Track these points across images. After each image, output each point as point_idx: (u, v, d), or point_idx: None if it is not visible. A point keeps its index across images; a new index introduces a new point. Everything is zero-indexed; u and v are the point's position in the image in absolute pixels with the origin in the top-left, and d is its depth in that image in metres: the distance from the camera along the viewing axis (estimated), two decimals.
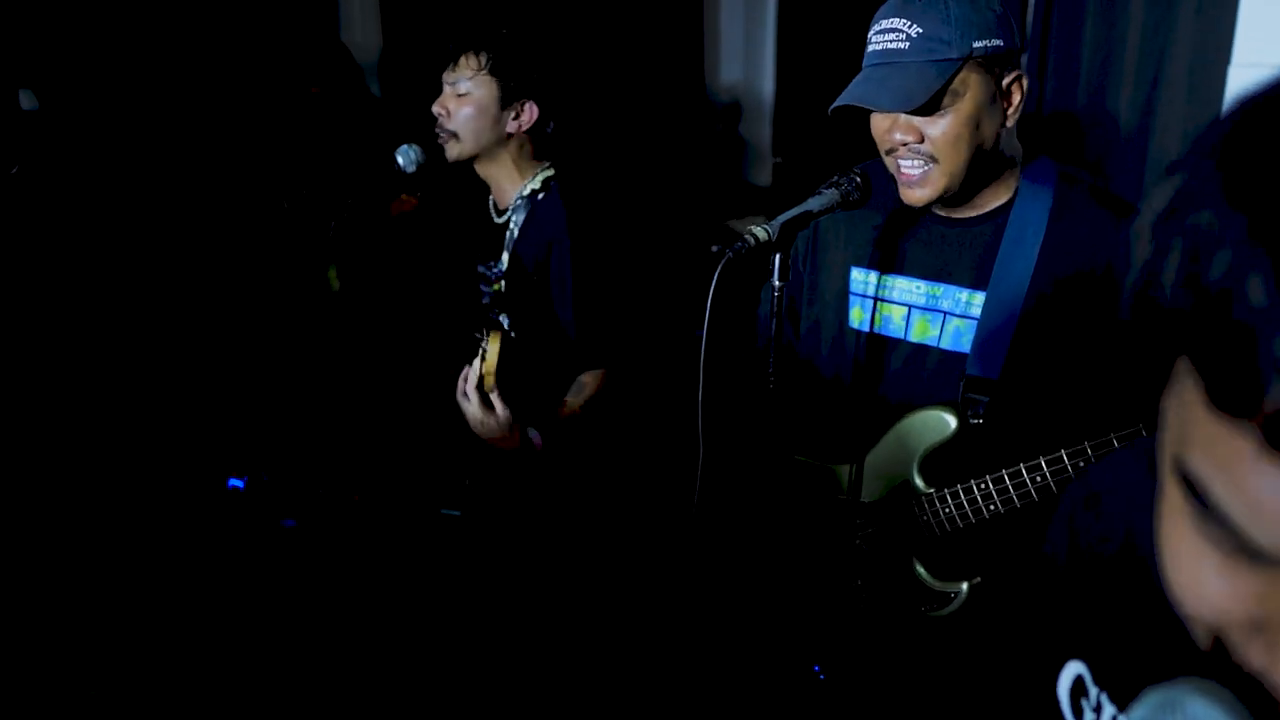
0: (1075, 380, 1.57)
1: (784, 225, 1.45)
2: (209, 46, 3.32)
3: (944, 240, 1.59)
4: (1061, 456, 1.45)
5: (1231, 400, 0.37)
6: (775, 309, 1.48)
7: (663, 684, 1.95)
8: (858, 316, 1.67)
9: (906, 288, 1.62)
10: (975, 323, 1.57)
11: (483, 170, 2.13)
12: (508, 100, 2.03)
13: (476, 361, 1.89)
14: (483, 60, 1.99)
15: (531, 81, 2.03)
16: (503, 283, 2.14)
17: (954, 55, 1.41)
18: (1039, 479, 1.46)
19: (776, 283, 1.47)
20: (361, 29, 3.74)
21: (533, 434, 1.99)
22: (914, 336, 1.62)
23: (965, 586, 1.59)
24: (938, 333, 1.60)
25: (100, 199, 2.92)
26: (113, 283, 2.92)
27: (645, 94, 4.05)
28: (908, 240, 1.62)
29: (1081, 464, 1.42)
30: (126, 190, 3.02)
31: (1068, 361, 1.56)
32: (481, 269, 2.21)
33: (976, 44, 1.42)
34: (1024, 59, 2.97)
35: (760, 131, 4.29)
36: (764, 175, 4.28)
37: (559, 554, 2.25)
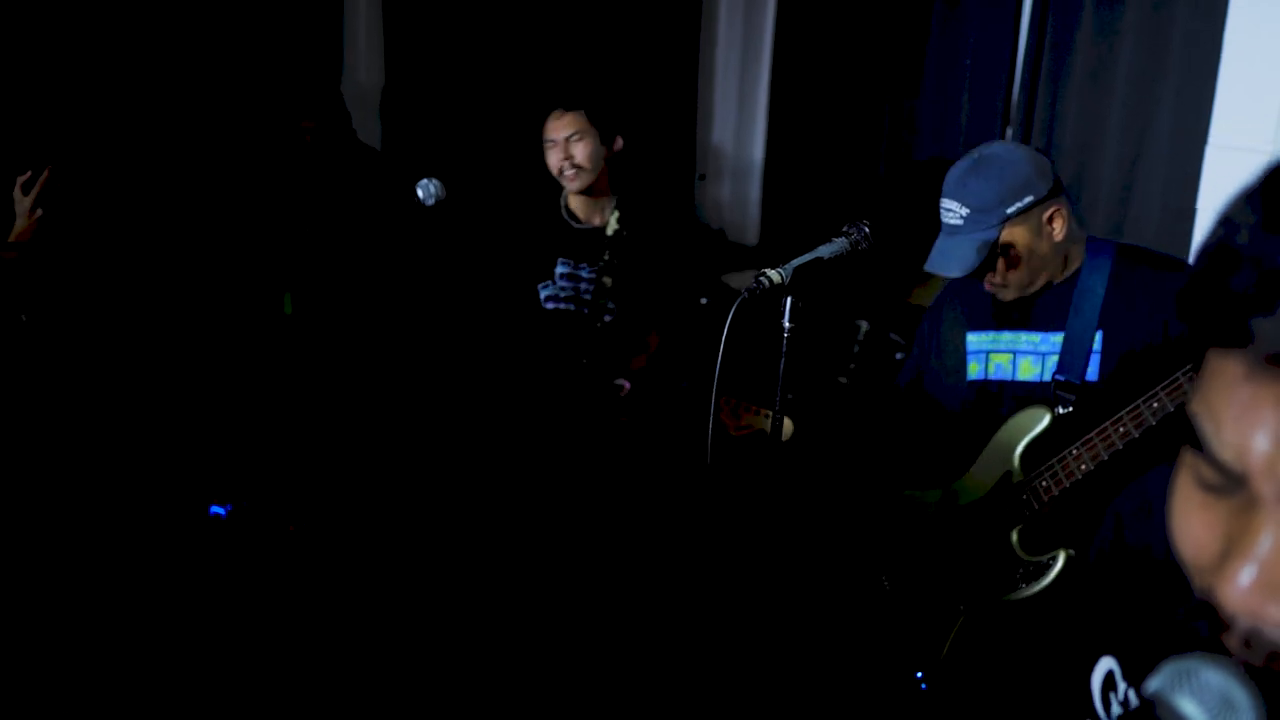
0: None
1: (796, 269, 1.51)
2: (212, 79, 3.35)
3: (1032, 302, 1.93)
4: (1138, 405, 1.67)
5: (1221, 339, 0.48)
6: (784, 349, 1.53)
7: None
8: (974, 369, 1.99)
9: (1010, 338, 1.96)
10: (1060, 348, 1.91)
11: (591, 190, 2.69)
12: (606, 138, 2.65)
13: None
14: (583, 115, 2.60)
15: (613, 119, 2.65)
16: (608, 278, 2.66)
17: (994, 223, 1.75)
18: (1122, 429, 1.70)
19: (787, 324, 1.52)
20: (366, 68, 3.81)
21: (622, 382, 2.64)
22: (1020, 375, 1.94)
23: (1062, 555, 1.80)
24: (1039, 370, 1.92)
25: (78, 224, 2.92)
26: (90, 312, 2.92)
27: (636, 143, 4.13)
28: (1004, 305, 1.95)
29: (1155, 405, 1.66)
30: (109, 216, 3.02)
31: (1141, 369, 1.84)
32: (567, 268, 2.70)
33: (1010, 210, 1.76)
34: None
35: (749, 190, 4.39)
36: (750, 235, 4.37)
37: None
